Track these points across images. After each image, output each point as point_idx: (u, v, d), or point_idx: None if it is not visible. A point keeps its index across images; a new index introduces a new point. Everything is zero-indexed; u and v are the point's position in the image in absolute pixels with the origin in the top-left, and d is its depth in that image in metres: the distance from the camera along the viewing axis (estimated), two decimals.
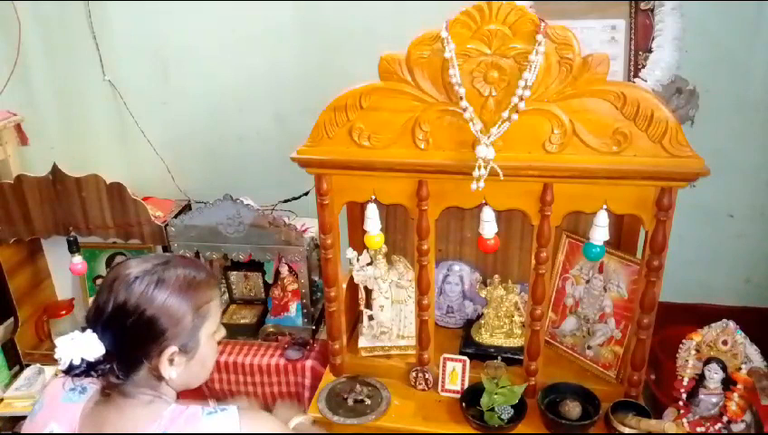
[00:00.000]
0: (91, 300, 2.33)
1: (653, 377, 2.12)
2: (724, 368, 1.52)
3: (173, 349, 1.04)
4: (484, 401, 1.63)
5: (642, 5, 1.67)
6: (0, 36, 2.24)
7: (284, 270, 2.09)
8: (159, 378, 1.05)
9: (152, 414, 1.04)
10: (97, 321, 1.01)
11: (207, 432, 1.03)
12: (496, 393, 1.64)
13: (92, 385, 1.09)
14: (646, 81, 1.62)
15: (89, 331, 1.00)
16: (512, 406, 1.63)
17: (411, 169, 1.52)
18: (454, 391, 1.74)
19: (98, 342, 0.99)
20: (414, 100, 1.45)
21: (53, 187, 2.02)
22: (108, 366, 0.99)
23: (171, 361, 1.05)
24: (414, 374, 1.79)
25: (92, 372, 0.99)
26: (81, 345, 0.98)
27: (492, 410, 1.62)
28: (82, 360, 0.98)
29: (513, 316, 1.86)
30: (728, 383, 1.52)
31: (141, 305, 1.00)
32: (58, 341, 1.00)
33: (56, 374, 2.14)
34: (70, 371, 0.99)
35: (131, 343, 1.01)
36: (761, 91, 2.04)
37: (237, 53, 2.20)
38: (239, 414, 1.04)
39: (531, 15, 1.33)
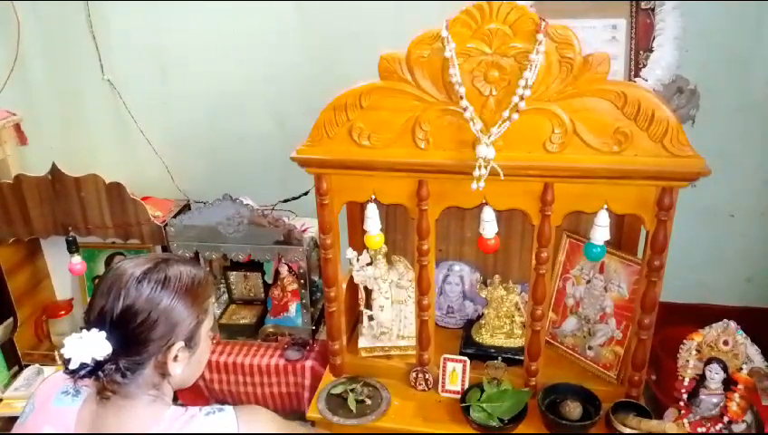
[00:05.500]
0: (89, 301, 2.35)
1: (654, 377, 2.11)
2: (725, 368, 1.52)
3: (180, 344, 1.05)
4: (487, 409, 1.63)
5: (643, 5, 1.66)
6: (0, 36, 2.24)
7: (284, 270, 2.09)
8: (163, 375, 1.06)
9: (154, 416, 1.05)
10: (103, 322, 1.00)
11: (206, 432, 1.04)
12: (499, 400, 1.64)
13: (86, 388, 1.09)
14: (646, 80, 1.61)
15: (94, 329, 0.98)
16: None
17: (411, 169, 1.51)
18: (454, 392, 1.74)
19: (105, 341, 0.98)
20: (414, 99, 1.45)
21: (52, 187, 2.02)
22: (114, 366, 0.99)
23: (176, 357, 1.06)
24: (414, 375, 1.78)
25: (99, 372, 0.98)
26: (90, 344, 0.97)
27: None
28: (92, 359, 0.97)
29: (513, 317, 1.85)
30: (729, 384, 1.52)
31: (150, 305, 1.01)
32: (66, 340, 0.98)
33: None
34: (77, 371, 0.97)
35: (140, 341, 1.01)
36: (762, 91, 2.03)
37: (237, 52, 2.20)
38: (236, 412, 1.07)
39: (531, 15, 1.33)
